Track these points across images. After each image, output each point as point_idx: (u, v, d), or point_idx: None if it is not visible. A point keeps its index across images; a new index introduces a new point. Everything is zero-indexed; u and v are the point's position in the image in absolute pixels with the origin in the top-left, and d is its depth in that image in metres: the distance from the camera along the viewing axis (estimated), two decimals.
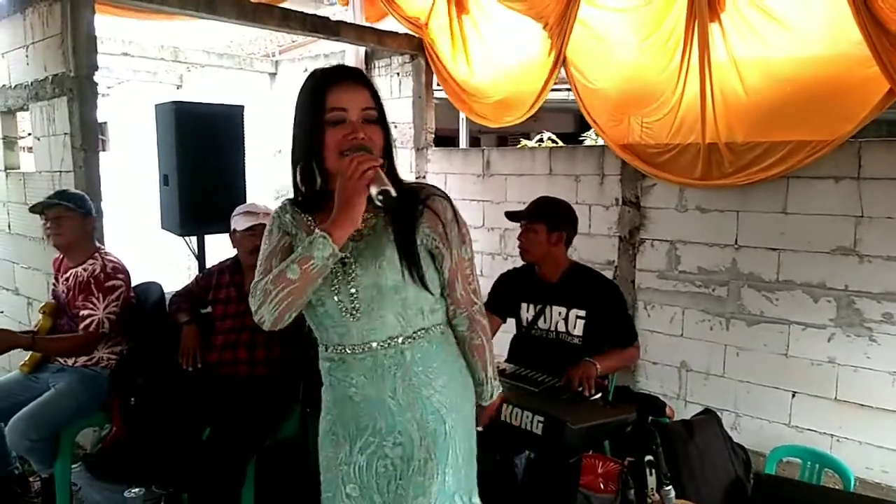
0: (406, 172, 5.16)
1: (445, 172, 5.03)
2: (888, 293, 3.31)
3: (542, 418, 1.96)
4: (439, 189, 1.60)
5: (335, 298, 1.48)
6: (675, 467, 2.10)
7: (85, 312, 2.74)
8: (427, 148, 5.16)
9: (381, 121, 1.52)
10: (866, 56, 3.04)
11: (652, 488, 2.11)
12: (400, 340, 1.50)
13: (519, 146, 6.29)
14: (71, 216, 2.81)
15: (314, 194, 1.51)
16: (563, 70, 4.14)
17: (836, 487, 2.61)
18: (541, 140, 6.50)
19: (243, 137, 3.43)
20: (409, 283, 1.48)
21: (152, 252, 6.09)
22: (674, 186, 3.91)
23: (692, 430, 2.20)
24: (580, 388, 2.23)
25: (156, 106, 3.38)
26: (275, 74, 6.10)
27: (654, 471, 2.09)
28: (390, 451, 1.51)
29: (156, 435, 2.47)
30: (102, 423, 2.84)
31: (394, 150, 1.57)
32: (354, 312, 1.48)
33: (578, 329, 2.58)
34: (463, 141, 6.19)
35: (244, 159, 3.43)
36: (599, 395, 2.20)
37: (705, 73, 3.54)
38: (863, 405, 3.42)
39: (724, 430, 2.36)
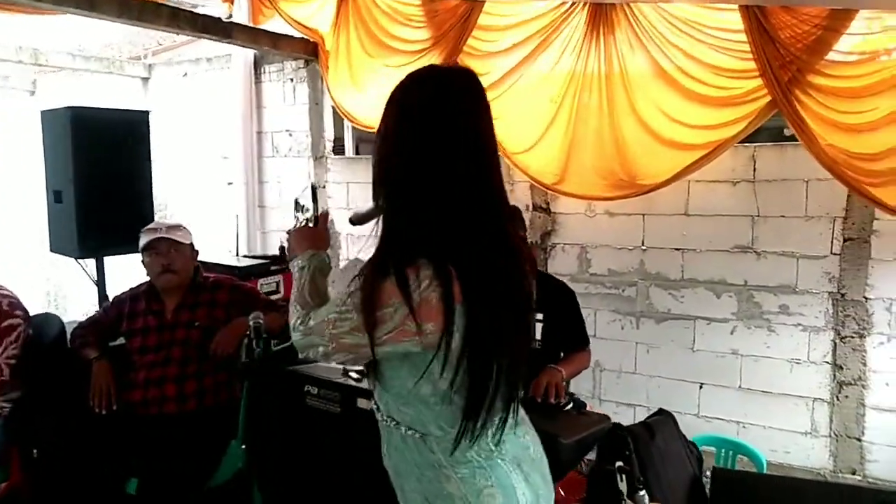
0: (304, 182, 4.94)
1: (348, 182, 4.85)
2: (783, 286, 3.57)
3: None
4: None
5: None
6: (642, 470, 2.11)
7: None
8: (325, 157, 4.96)
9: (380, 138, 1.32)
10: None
11: (623, 494, 2.10)
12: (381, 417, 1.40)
13: None
14: None
15: None
16: None
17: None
18: None
19: (149, 147, 3.09)
20: None
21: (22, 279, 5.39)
22: None
23: (653, 431, 2.23)
24: (549, 397, 2.20)
25: (43, 112, 2.97)
26: (148, 79, 5.63)
27: (624, 476, 2.09)
28: None
29: (69, 490, 2.13)
30: None
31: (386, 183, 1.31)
32: None
33: (537, 333, 2.54)
34: (349, 149, 6.05)
35: (151, 171, 3.09)
36: (571, 404, 2.17)
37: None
38: (765, 392, 3.67)
39: (679, 430, 2.42)
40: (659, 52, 3.45)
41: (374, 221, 1.37)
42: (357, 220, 1.46)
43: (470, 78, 1.28)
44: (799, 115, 3.12)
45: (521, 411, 1.40)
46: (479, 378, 1.22)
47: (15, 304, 2.47)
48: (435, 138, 1.21)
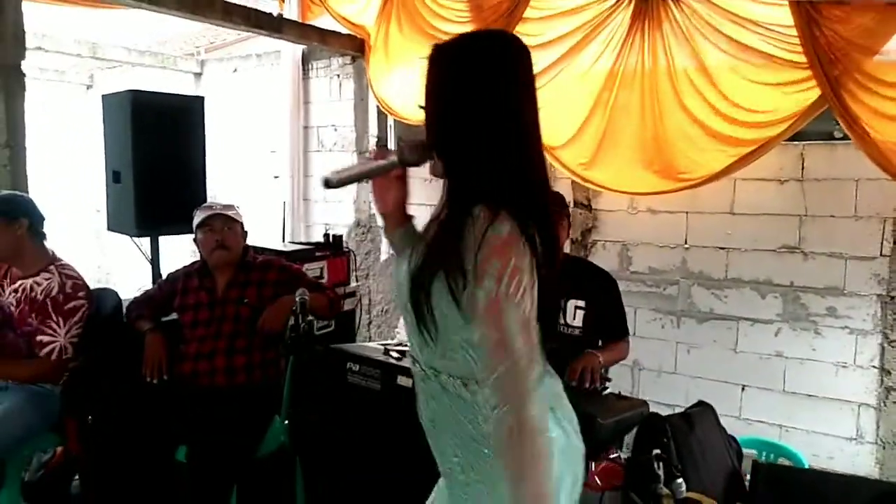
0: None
1: None
2: (830, 288, 3.50)
3: None
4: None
5: None
6: (680, 459, 2.10)
7: (44, 338, 2.44)
8: (369, 152, 5.04)
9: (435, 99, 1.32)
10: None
11: (660, 480, 2.10)
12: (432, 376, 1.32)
13: None
14: None
15: None
16: None
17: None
18: None
19: (204, 131, 3.20)
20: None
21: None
22: None
23: (692, 422, 2.22)
24: (584, 382, 2.20)
25: (104, 97, 3.11)
26: (200, 74, 5.80)
27: (661, 464, 2.08)
28: None
29: (121, 457, 2.21)
30: (54, 446, 2.54)
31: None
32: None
33: (578, 320, 2.54)
34: (391, 144, 6.13)
35: (205, 154, 3.20)
36: (609, 388, 2.18)
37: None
38: (809, 395, 3.59)
39: (719, 422, 2.40)
40: (708, 45, 3.42)
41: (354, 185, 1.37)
42: (336, 182, 1.27)
43: (516, 43, 1.30)
44: (849, 110, 3.06)
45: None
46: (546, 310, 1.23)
47: (79, 286, 2.56)
48: (489, 101, 1.23)
